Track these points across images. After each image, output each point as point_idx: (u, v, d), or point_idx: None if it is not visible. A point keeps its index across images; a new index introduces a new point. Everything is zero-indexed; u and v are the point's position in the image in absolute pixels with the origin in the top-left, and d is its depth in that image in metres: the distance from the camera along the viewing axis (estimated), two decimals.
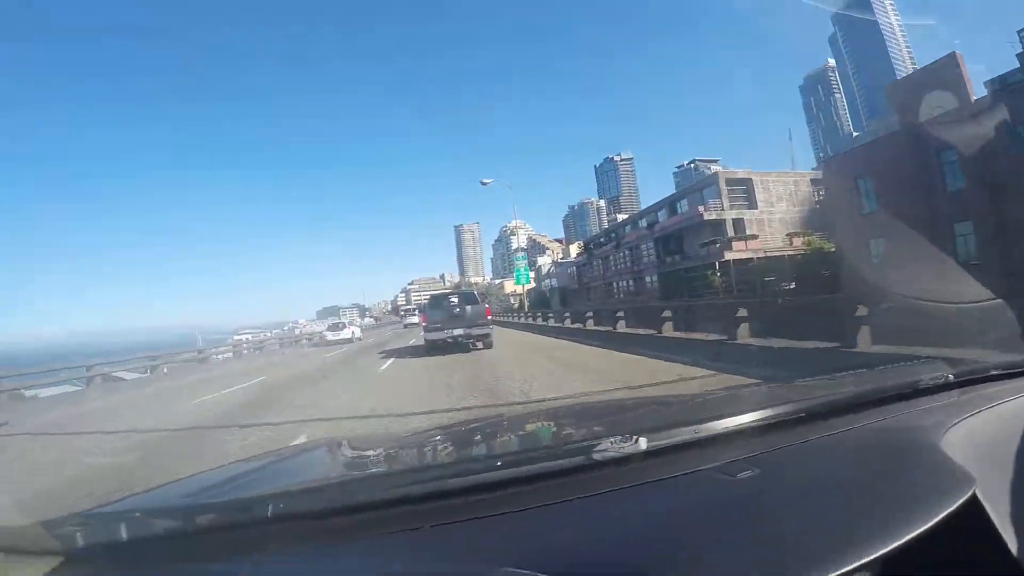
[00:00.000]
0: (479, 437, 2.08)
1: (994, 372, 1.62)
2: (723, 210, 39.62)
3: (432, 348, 15.24)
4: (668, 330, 13.13)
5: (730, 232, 38.51)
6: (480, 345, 15.56)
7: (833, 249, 30.32)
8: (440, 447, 1.93)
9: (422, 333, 16.18)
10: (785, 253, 36.71)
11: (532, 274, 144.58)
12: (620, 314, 16.73)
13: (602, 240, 63.40)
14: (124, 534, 0.96)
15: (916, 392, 1.53)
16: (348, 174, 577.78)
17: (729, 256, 36.88)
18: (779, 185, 41.10)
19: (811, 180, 42.37)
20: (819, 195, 39.35)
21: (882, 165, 25.95)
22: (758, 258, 36.82)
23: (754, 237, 37.72)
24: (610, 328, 16.51)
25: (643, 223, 51.30)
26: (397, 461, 1.78)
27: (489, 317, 15.82)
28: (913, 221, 21.19)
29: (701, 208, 39.84)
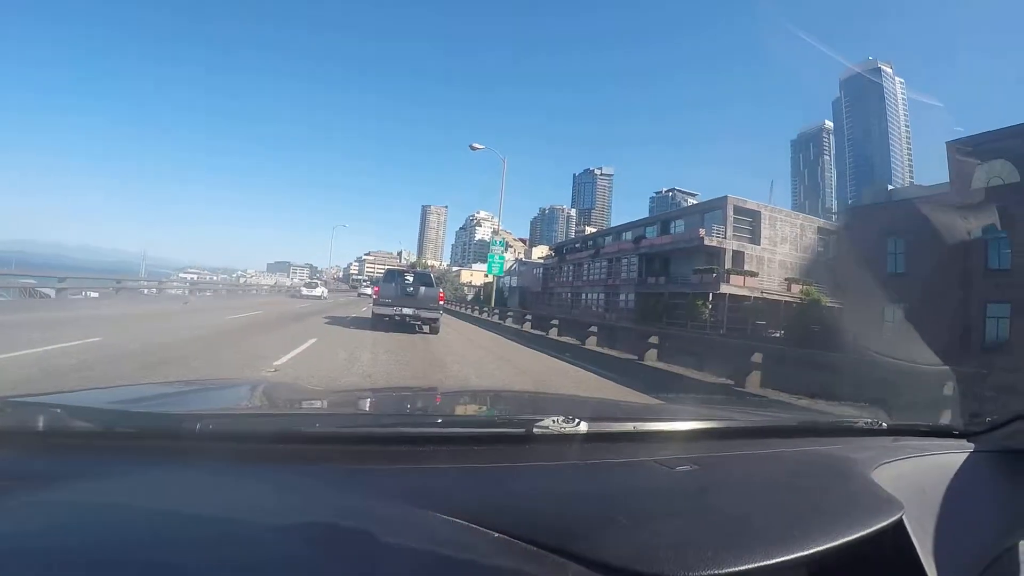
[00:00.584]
0: (422, 399, 2.26)
1: (923, 427, 1.74)
2: (725, 238, 36.02)
3: (378, 322, 14.76)
4: (652, 358, 11.12)
5: (728, 263, 34.95)
6: (427, 329, 15.03)
7: (830, 304, 27.99)
8: (381, 400, 2.11)
9: (371, 306, 15.75)
10: (782, 299, 33.52)
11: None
12: (593, 328, 14.82)
13: (578, 246, 59.24)
14: (41, 425, 0.97)
15: (852, 430, 1.66)
16: (321, 127, 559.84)
17: (726, 290, 33.28)
18: (786, 225, 37.86)
19: (818, 228, 39.62)
20: (827, 244, 36.44)
21: (919, 226, 22.51)
22: (755, 297, 33.40)
23: (754, 274, 34.32)
24: (577, 342, 14.83)
25: (627, 236, 47.40)
26: (336, 405, 1.86)
27: (441, 302, 15.74)
28: (943, 291, 20.63)
29: (702, 231, 36.08)
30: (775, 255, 36.33)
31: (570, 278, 55.30)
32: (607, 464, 1.15)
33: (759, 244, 36.26)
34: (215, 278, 65.31)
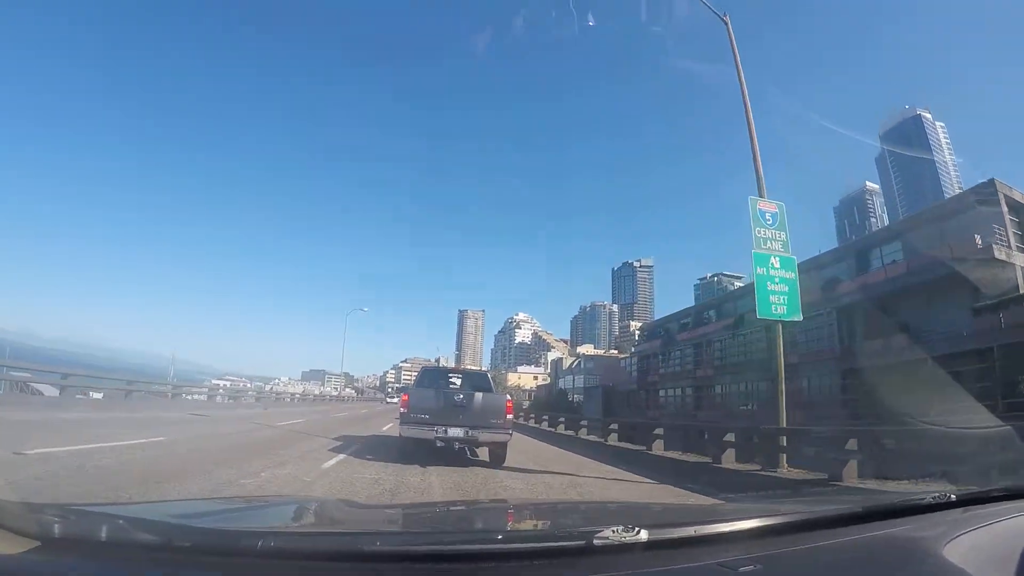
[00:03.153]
0: (479, 513, 2.29)
1: (995, 493, 1.73)
2: (1011, 250, 20.39)
3: (409, 452, 10.08)
4: None
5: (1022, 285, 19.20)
6: (483, 456, 10.90)
7: None
8: (438, 516, 2.13)
9: (398, 422, 10.53)
10: None
11: (547, 370, 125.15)
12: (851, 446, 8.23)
13: (706, 316, 42.07)
14: (104, 535, 0.99)
15: (920, 508, 1.62)
16: (354, 238, 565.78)
17: None
18: None
19: None
20: None
21: None
22: None
23: None
24: (757, 467, 9.95)
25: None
26: (393, 522, 1.93)
27: (509, 416, 10.47)
28: None
29: (977, 239, 20.50)
30: None
31: (691, 365, 38.74)
32: (669, 572, 1.14)
33: None
34: (249, 385, 65.01)
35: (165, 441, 9.76)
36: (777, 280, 10.05)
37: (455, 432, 9.85)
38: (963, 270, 20.26)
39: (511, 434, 10.41)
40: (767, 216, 10.31)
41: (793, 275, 10.36)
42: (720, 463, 10.58)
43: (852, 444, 8.11)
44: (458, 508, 2.70)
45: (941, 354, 19.88)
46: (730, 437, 10.99)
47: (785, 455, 9.57)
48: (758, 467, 9.93)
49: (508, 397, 11.06)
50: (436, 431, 9.84)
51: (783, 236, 10.38)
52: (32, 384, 18.39)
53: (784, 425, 10.20)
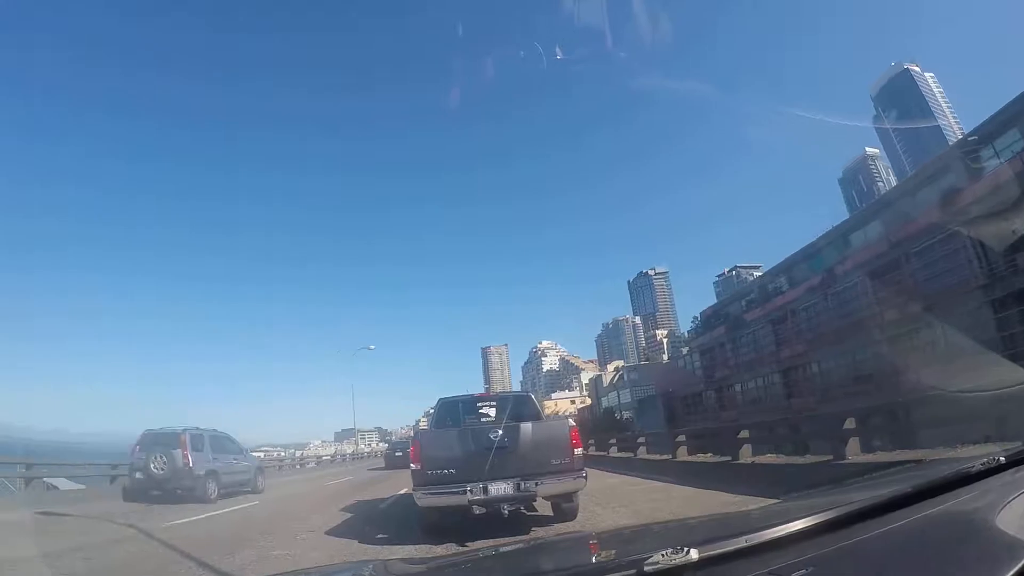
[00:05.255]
0: (531, 556, 2.29)
1: None
2: None
3: (435, 523, 7.25)
4: None
5: None
6: (544, 508, 8.25)
7: None
8: (493, 562, 2.09)
9: (413, 490, 7.26)
10: None
11: (582, 392, 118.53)
12: None
13: (769, 287, 36.80)
14: None
15: (969, 478, 1.59)
16: (367, 295, 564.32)
17: None
18: None
19: None
20: None
21: None
22: None
23: None
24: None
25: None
26: (459, 567, 2.08)
27: (579, 451, 7.28)
28: None
29: None
30: None
31: (768, 347, 33.60)
32: None
33: None
34: (283, 454, 65.93)
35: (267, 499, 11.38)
36: None
37: (500, 489, 6.86)
38: None
39: (585, 476, 7.28)
40: None
41: None
42: (845, 458, 8.53)
43: None
44: (505, 550, 2.54)
45: None
46: (851, 423, 8.84)
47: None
48: (917, 455, 7.53)
49: (571, 423, 7.82)
50: (470, 492, 6.82)
51: None
52: (46, 479, 16.87)
53: None
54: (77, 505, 12.62)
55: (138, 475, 13.98)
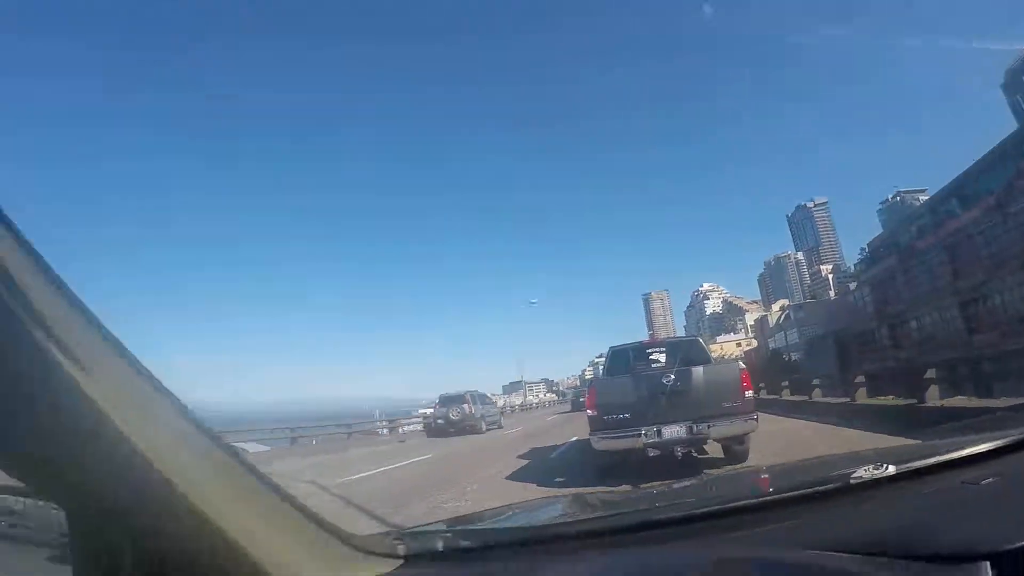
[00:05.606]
0: (732, 480, 2.77)
1: None
2: None
3: (608, 466, 7.50)
4: None
5: None
6: (713, 451, 8.09)
7: None
8: (699, 486, 2.29)
9: (590, 434, 7.47)
10: None
11: (748, 334, 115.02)
12: None
13: (941, 210, 35.27)
14: (440, 546, 1.24)
15: None
16: (532, 250, 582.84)
17: None
18: None
19: None
20: None
21: None
22: None
23: None
24: None
25: None
26: (665, 496, 2.05)
27: (749, 393, 7.23)
28: None
29: None
30: None
31: (944, 277, 32.93)
32: (919, 495, 1.24)
33: None
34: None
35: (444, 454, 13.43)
36: None
37: (673, 432, 7.04)
38: None
39: (756, 418, 7.32)
40: None
41: None
42: None
43: None
44: (711, 478, 2.90)
45: None
46: None
47: None
48: None
49: (741, 366, 8.02)
50: (644, 435, 7.08)
51: None
52: (236, 444, 20.24)
53: None
54: (272, 465, 13.47)
55: (439, 421, 22.53)
